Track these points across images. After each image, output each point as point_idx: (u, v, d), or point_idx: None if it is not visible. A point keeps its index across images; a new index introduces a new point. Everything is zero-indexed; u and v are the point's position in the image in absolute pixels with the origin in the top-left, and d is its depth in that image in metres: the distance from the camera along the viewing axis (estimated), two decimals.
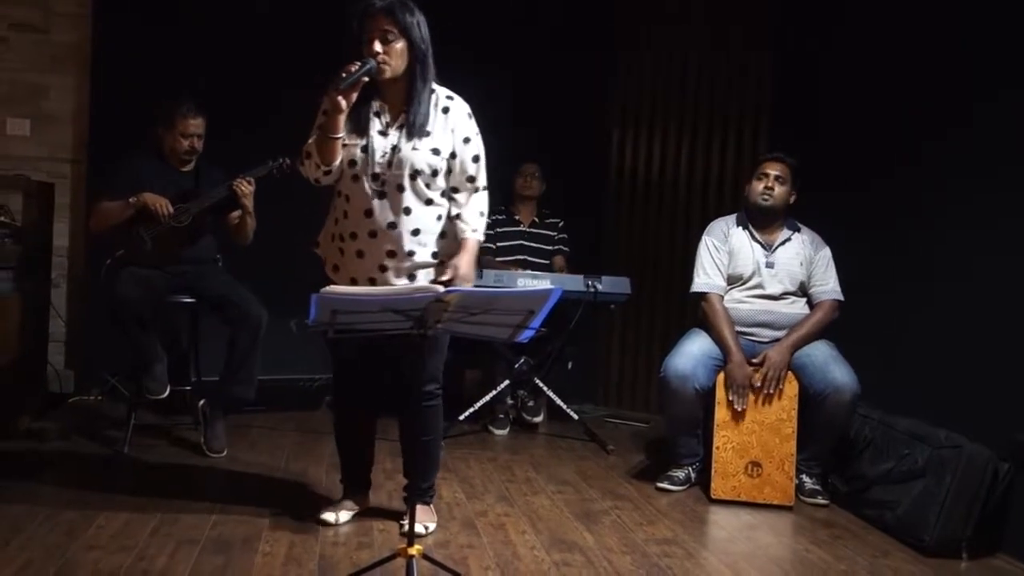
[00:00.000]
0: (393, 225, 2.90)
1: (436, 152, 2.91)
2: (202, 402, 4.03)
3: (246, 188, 3.89)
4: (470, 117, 2.98)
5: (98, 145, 4.88)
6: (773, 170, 3.91)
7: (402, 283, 2.93)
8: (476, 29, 4.95)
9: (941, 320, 3.67)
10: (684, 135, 5.41)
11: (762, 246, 3.92)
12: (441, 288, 2.46)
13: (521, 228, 5.03)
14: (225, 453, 3.91)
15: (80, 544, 2.82)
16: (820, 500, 3.72)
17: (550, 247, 5.05)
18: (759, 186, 3.90)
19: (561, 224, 5.10)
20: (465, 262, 2.91)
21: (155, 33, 4.83)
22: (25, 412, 4.23)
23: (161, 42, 4.82)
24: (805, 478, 3.78)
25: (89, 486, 3.37)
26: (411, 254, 2.94)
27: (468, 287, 2.83)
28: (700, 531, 3.40)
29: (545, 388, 4.65)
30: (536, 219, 5.07)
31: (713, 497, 3.67)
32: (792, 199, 3.93)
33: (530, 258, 4.96)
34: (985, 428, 3.26)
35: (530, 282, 4.38)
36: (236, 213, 3.98)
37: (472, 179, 2.98)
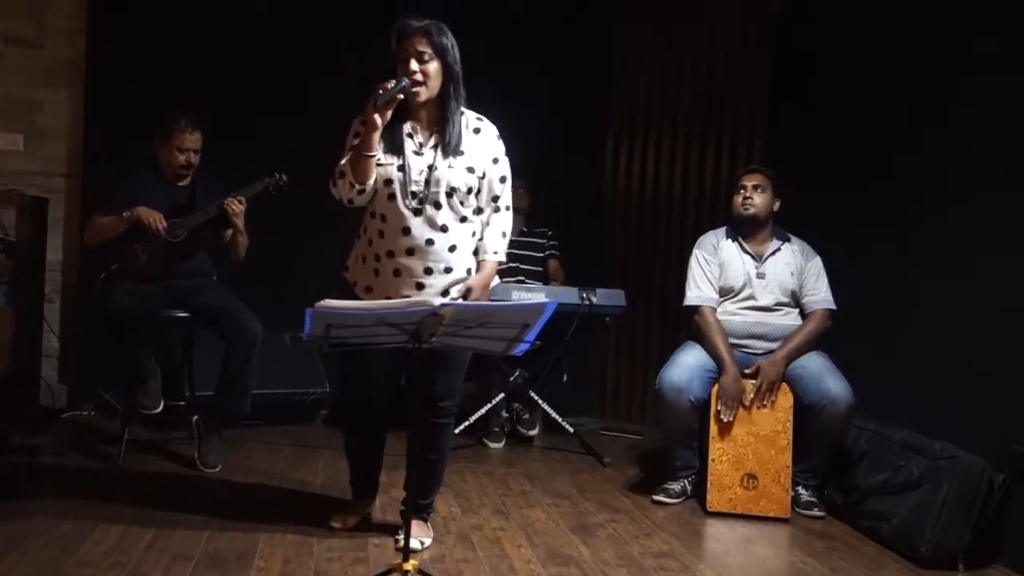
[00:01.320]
0: (431, 242, 2.94)
1: (471, 170, 2.97)
2: (196, 417, 4.01)
3: (236, 208, 3.88)
4: (499, 139, 3.06)
5: (92, 160, 4.87)
6: (750, 181, 3.97)
7: (438, 300, 2.92)
8: (474, 34, 4.96)
9: (936, 331, 3.68)
10: (679, 146, 5.43)
11: (752, 257, 3.93)
12: (435, 301, 2.46)
13: (512, 238, 5.02)
14: (219, 468, 3.89)
15: (74, 560, 2.80)
16: (816, 512, 3.72)
17: (541, 254, 5.06)
18: (738, 199, 3.97)
19: (550, 232, 5.11)
20: (479, 283, 2.99)
21: (149, 48, 4.84)
22: (18, 427, 4.21)
23: (155, 56, 4.82)
24: (801, 490, 3.78)
25: (83, 501, 3.35)
26: (448, 270, 2.97)
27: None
28: (696, 544, 3.39)
29: (540, 401, 4.65)
30: (524, 228, 5.07)
31: (709, 509, 3.67)
32: (776, 206, 3.96)
33: (522, 265, 4.97)
34: (981, 439, 3.26)
35: (525, 295, 4.38)
36: (229, 231, 3.98)
37: (496, 198, 3.05)
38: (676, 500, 3.81)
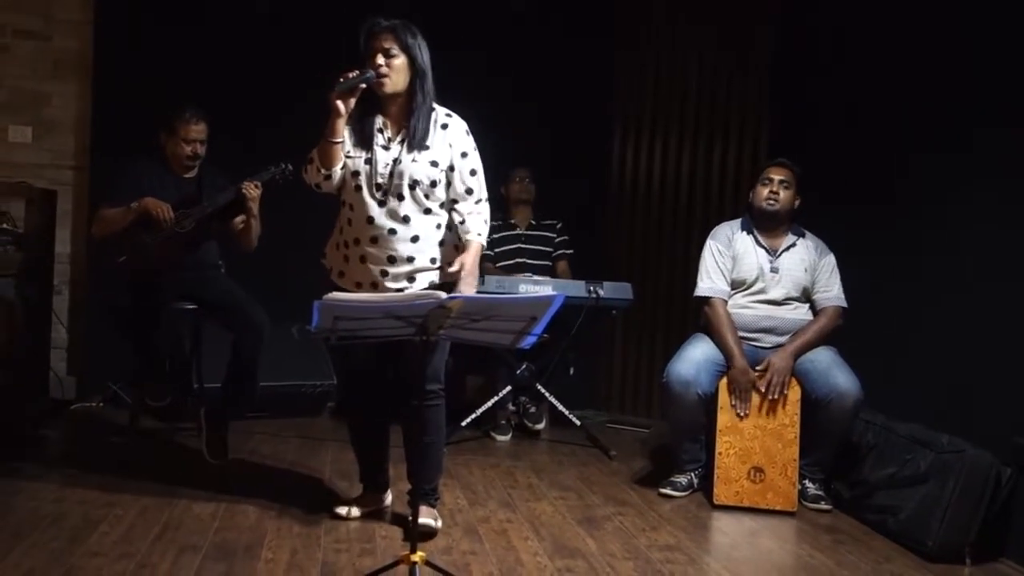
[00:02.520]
0: (393, 232, 3.04)
1: (434, 164, 3.06)
2: (204, 408, 4.02)
3: (254, 191, 3.89)
4: (468, 134, 3.14)
5: (100, 152, 4.89)
6: (778, 175, 3.91)
7: (402, 286, 3.06)
8: (475, 33, 4.96)
9: (943, 325, 3.67)
10: (685, 138, 5.41)
11: (767, 251, 3.92)
12: (443, 295, 2.46)
13: (518, 232, 5.03)
14: (227, 459, 3.91)
15: (83, 551, 2.81)
16: (823, 505, 3.72)
17: (549, 249, 5.04)
18: (764, 191, 3.91)
19: (559, 225, 5.09)
20: (470, 260, 3.04)
21: (157, 40, 4.85)
22: (27, 419, 4.23)
23: (163, 49, 4.83)
24: (808, 483, 3.77)
25: (91, 493, 3.37)
26: (410, 259, 3.07)
27: (472, 284, 2.98)
28: (703, 537, 3.39)
29: (547, 394, 4.65)
30: (533, 222, 5.07)
31: (716, 503, 3.67)
32: (796, 204, 3.94)
33: (529, 261, 4.96)
34: (988, 433, 3.25)
35: (532, 288, 4.38)
36: (240, 218, 3.97)
37: (470, 191, 3.12)
38: (683, 493, 3.82)
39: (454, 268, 2.99)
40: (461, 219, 3.10)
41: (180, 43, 4.84)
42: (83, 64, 4.97)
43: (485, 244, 3.17)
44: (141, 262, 3.88)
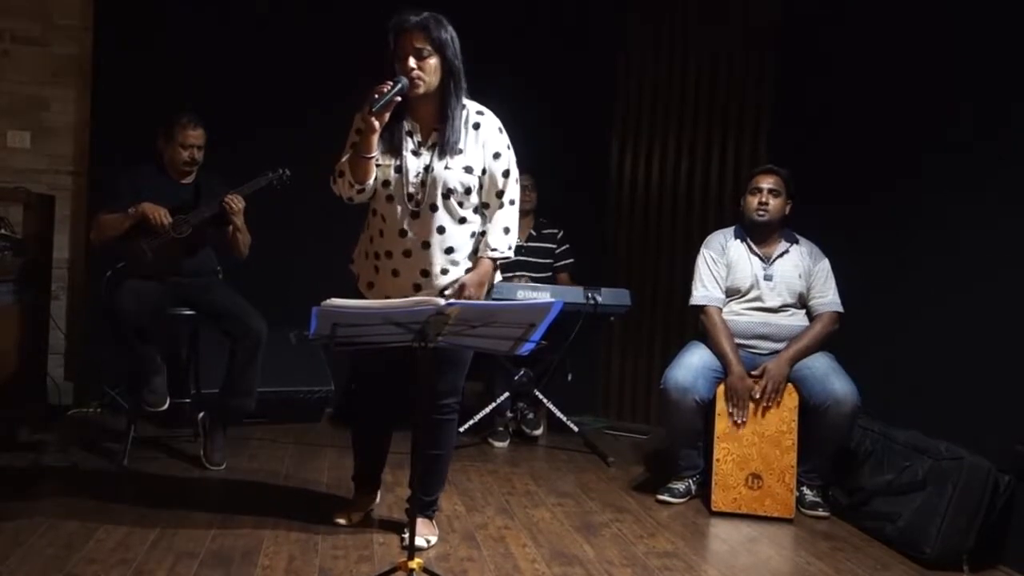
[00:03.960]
0: (427, 245, 2.94)
1: (469, 170, 2.94)
2: (201, 414, 4.02)
3: (235, 205, 3.88)
4: (501, 132, 3.01)
5: (98, 157, 4.88)
6: (766, 183, 3.91)
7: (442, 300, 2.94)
8: (477, 34, 4.96)
9: (941, 331, 3.67)
10: (684, 145, 5.42)
11: (760, 259, 3.92)
12: (441, 301, 2.46)
13: (518, 243, 4.99)
14: (224, 465, 3.91)
15: (80, 557, 2.81)
16: (821, 512, 3.72)
17: (549, 260, 5.03)
18: (754, 201, 3.91)
19: (560, 235, 5.07)
20: (474, 280, 2.96)
21: (155, 46, 4.85)
22: (24, 424, 4.22)
23: (161, 55, 4.83)
24: (806, 490, 3.77)
25: (88, 499, 3.37)
26: (445, 272, 2.97)
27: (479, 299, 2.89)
28: (701, 544, 3.39)
29: (545, 400, 4.65)
30: (533, 232, 5.04)
31: (714, 509, 3.67)
32: (788, 209, 3.94)
33: (529, 272, 4.94)
34: (985, 440, 3.25)
35: (530, 294, 4.38)
36: (230, 228, 3.98)
37: (501, 193, 3.01)
38: (680, 500, 3.81)
39: (454, 289, 2.94)
40: (483, 229, 3.00)
41: (179, 49, 4.84)
42: (82, 70, 4.98)
43: (508, 255, 3.02)
44: (139, 267, 3.88)
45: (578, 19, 5.37)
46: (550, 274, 5.01)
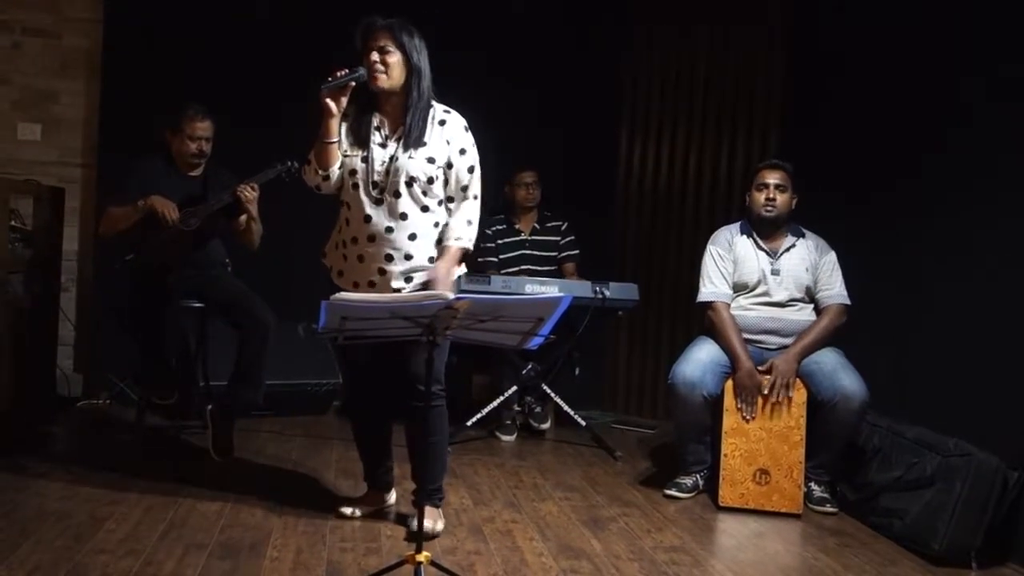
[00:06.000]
0: (390, 230, 3.03)
1: (431, 161, 3.05)
2: (210, 406, 4.03)
3: (250, 194, 3.89)
4: (466, 130, 3.13)
5: (108, 150, 4.90)
6: (772, 178, 3.90)
7: (400, 285, 3.05)
8: (479, 33, 4.96)
9: (950, 328, 3.66)
10: (692, 140, 5.41)
11: (767, 253, 3.91)
12: (451, 295, 2.46)
13: (522, 237, 5.00)
14: (233, 457, 3.92)
15: (89, 548, 2.82)
16: (828, 508, 3.71)
17: (554, 253, 5.02)
18: (760, 197, 3.89)
19: (565, 227, 5.04)
20: (443, 268, 3.06)
21: (165, 39, 4.86)
22: (34, 415, 4.24)
23: (171, 47, 4.84)
24: (813, 486, 3.77)
25: (97, 490, 3.38)
26: (408, 257, 3.06)
27: (448, 289, 2.92)
28: (708, 539, 3.39)
29: (552, 394, 4.65)
30: (537, 225, 5.03)
31: (721, 504, 3.67)
32: (793, 203, 3.93)
33: (534, 267, 4.93)
34: (994, 436, 3.24)
35: (538, 288, 4.37)
36: (243, 218, 3.98)
37: (465, 188, 3.12)
38: (688, 495, 3.81)
39: (424, 279, 3.01)
40: (447, 220, 3.10)
41: (188, 42, 4.85)
42: (92, 62, 4.99)
43: (468, 247, 3.14)
44: (147, 260, 3.89)
45: (587, 13, 5.35)
46: (555, 267, 5.00)
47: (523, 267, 4.90)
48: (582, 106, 5.29)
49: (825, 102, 4.78)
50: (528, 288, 4.36)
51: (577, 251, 5.04)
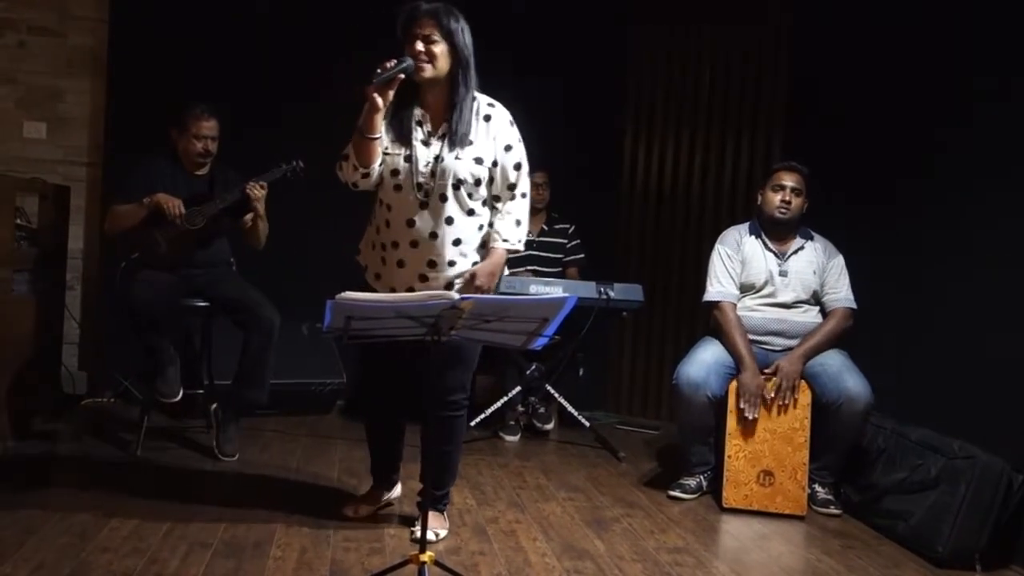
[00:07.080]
0: (435, 235, 2.91)
1: (479, 161, 2.92)
2: (214, 405, 4.04)
3: (259, 192, 3.89)
4: (512, 124, 2.99)
5: (114, 148, 4.91)
6: (789, 181, 3.88)
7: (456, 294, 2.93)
8: (479, 34, 4.94)
9: (955, 330, 3.65)
10: (697, 141, 5.41)
11: (775, 255, 3.91)
12: (455, 295, 2.46)
13: (530, 238, 4.99)
14: (237, 456, 3.92)
15: (93, 546, 2.83)
16: (832, 510, 3.71)
17: (560, 255, 5.02)
18: (776, 199, 3.87)
19: (571, 230, 5.06)
20: (485, 271, 2.94)
21: (170, 37, 4.86)
22: (38, 413, 4.25)
23: (177, 46, 4.84)
24: (817, 487, 3.76)
25: (102, 488, 3.38)
26: (452, 264, 2.95)
27: (485, 282, 2.88)
28: (712, 540, 3.39)
29: (556, 395, 4.65)
30: (544, 227, 5.04)
31: (725, 506, 3.66)
32: (805, 207, 3.92)
33: (540, 267, 4.94)
34: (999, 439, 3.24)
35: (543, 289, 4.37)
36: (249, 216, 3.99)
37: (513, 186, 2.99)
38: (692, 496, 3.81)
39: (464, 278, 2.92)
40: (492, 220, 2.98)
41: (194, 41, 4.85)
42: (98, 61, 5.00)
43: (518, 248, 3.01)
44: (153, 258, 3.89)
45: (592, 16, 5.34)
46: (559, 269, 5.00)
47: (529, 268, 4.90)
48: (586, 107, 5.28)
49: (825, 102, 4.77)
50: (533, 288, 4.37)
51: (582, 255, 5.04)
